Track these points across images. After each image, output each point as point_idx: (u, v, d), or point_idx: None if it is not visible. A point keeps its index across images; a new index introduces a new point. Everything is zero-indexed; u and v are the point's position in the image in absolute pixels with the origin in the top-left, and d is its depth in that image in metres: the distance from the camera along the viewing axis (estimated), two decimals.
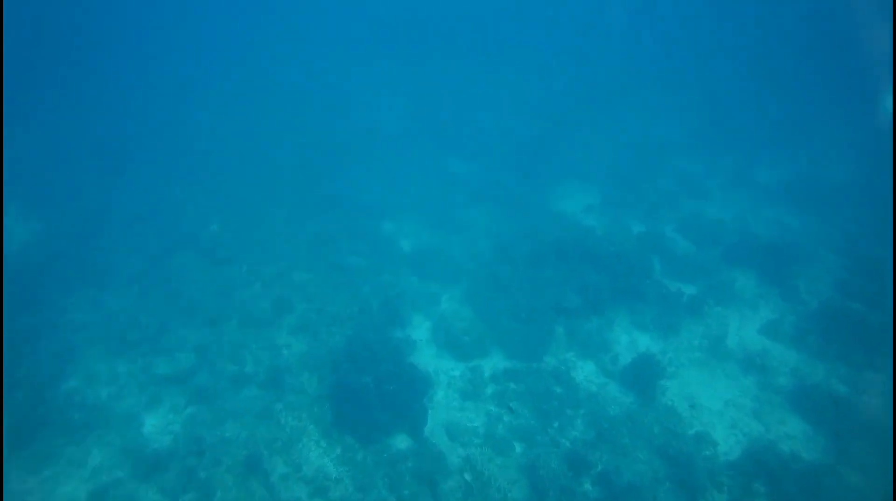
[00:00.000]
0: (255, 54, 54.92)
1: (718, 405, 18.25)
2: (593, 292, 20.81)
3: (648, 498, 14.98)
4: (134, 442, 16.56)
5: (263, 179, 31.30)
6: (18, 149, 31.95)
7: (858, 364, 19.11)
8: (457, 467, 15.77)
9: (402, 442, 16.28)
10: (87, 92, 42.91)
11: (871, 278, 22.37)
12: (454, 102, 43.49)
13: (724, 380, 19.14)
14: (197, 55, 52.97)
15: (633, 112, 41.66)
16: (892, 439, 15.33)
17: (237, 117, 40.47)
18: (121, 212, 27.95)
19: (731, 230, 26.24)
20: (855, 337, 19.71)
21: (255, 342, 18.88)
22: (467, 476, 15.19)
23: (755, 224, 27.30)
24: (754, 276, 23.34)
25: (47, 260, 23.01)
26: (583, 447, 16.54)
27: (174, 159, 33.71)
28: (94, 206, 28.07)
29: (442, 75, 48.93)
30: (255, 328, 19.39)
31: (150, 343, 19.45)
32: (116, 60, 47.83)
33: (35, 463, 15.77)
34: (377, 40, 55.95)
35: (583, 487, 15.51)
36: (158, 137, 36.58)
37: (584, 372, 19.30)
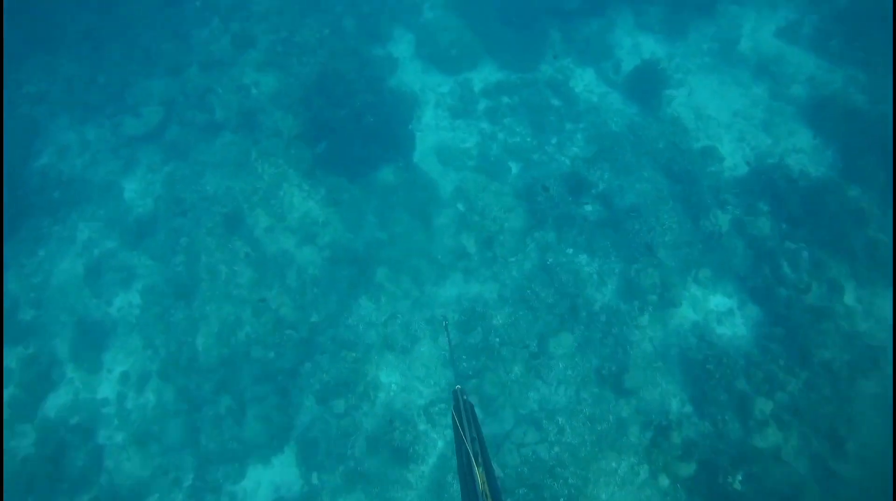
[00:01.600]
0: None
1: (727, 117, 16.39)
2: None
3: (651, 219, 13.69)
4: (117, 211, 14.84)
5: None
6: None
7: (881, 71, 16.83)
8: (449, 196, 14.17)
9: (390, 174, 14.41)
10: None
11: None
12: None
13: (734, 88, 17.01)
14: None
15: None
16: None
17: None
18: None
19: None
20: (883, 37, 17.09)
21: (220, 85, 15.97)
22: (461, 207, 13.60)
23: None
24: None
25: None
26: (583, 165, 14.86)
27: None
28: None
29: None
30: (218, 70, 16.34)
31: (115, 103, 16.56)
32: None
33: (28, 247, 14.39)
34: None
35: (582, 209, 14.15)
36: None
37: (584, 81, 16.99)
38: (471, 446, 4.56)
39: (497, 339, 12.42)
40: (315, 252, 13.58)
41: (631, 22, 18.32)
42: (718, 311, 13.23)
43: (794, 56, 17.52)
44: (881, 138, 15.05)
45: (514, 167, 14.98)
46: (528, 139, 15.43)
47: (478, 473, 4.34)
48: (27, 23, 17.78)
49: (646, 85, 16.30)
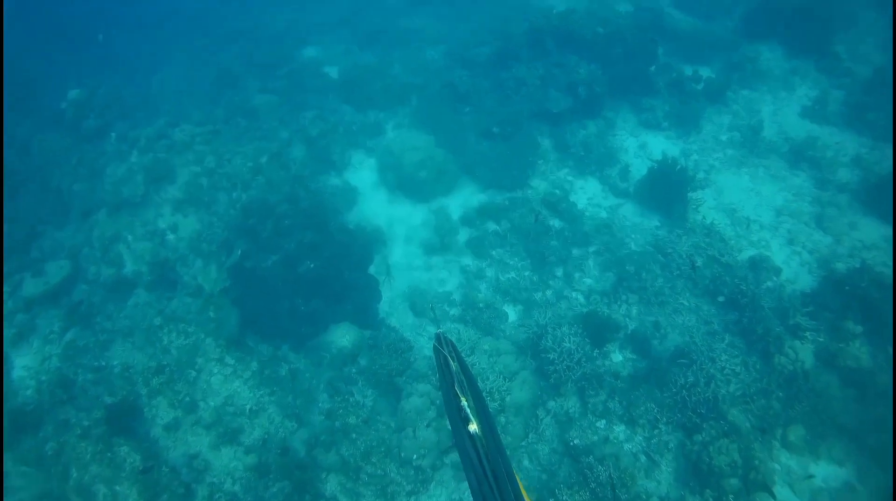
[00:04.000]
0: None
1: (769, 216, 12.58)
2: (585, 87, 14.24)
3: (706, 364, 9.38)
4: None
5: (150, 27, 22.91)
6: None
7: None
8: (427, 362, 9.87)
9: (345, 336, 10.25)
10: None
11: None
12: None
13: (769, 182, 13.30)
14: None
15: None
16: None
17: None
18: None
19: None
20: None
21: (130, 231, 12.13)
22: None
23: None
24: (780, 48, 16.68)
25: None
26: (602, 300, 10.76)
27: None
28: None
29: None
30: (129, 212, 12.48)
31: (17, 256, 12.93)
32: None
33: None
34: None
35: (611, 361, 9.90)
36: None
37: (587, 194, 13.22)
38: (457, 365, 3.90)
39: None
40: (238, 456, 9.27)
41: (632, 121, 14.85)
42: (830, 487, 8.66)
43: (830, 136, 14.01)
44: None
45: (512, 313, 10.89)
46: (527, 274, 11.43)
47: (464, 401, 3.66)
48: None
49: (664, 190, 12.53)
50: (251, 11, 23.13)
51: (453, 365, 3.90)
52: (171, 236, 11.71)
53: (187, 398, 9.57)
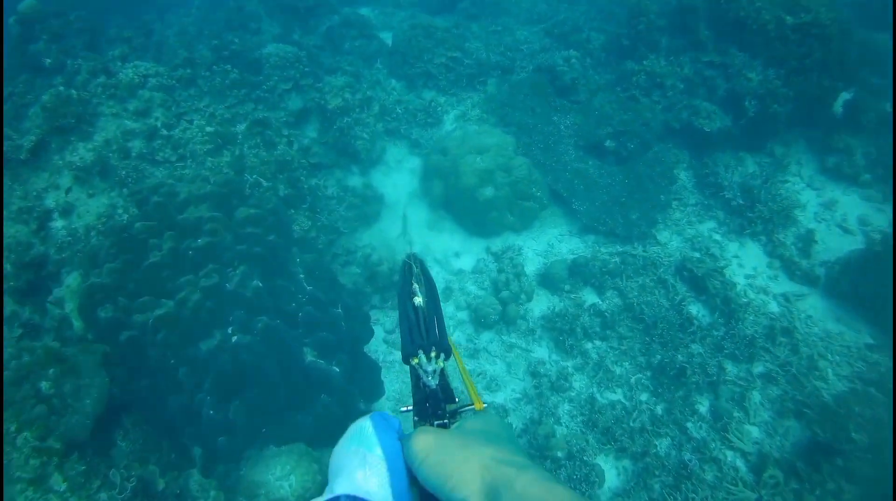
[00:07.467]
0: None
1: None
2: (755, 101, 9.16)
3: None
4: None
5: None
6: None
7: None
8: None
9: (290, 476, 5.27)
10: None
11: None
12: None
13: None
14: None
15: None
16: None
17: None
18: None
19: None
20: None
21: (9, 202, 7.33)
22: None
23: None
24: None
25: None
26: (786, 483, 5.68)
27: None
28: None
29: None
30: (10, 174, 7.26)
31: None
32: None
33: None
34: None
35: None
36: None
37: (746, 268, 8.06)
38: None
39: None
40: None
41: (811, 164, 9.66)
42: None
43: None
44: None
45: (612, 472, 5.90)
46: (645, 399, 6.41)
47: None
48: None
49: (878, 288, 7.32)
50: None
51: (415, 269, 2.94)
52: (58, 224, 6.98)
53: None
